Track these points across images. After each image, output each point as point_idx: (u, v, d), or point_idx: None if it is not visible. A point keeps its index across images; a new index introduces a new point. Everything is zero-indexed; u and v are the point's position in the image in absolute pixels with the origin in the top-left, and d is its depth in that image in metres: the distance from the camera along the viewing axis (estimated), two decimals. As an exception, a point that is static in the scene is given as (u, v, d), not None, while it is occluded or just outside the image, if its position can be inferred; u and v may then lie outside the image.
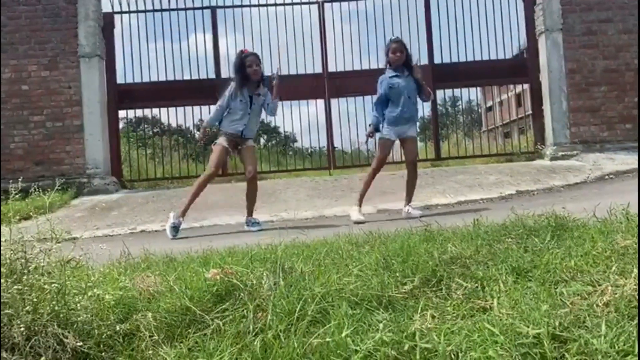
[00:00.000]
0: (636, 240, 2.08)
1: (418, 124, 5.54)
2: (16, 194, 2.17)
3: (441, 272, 2.09)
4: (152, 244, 3.42)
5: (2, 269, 1.83)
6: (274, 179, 8.37)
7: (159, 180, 8.70)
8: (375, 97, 5.18)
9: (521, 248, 2.32)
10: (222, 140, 5.01)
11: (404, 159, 5.33)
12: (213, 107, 5.22)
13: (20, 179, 2.36)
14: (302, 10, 8.62)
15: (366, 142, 5.65)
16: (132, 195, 7.44)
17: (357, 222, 4.72)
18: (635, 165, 6.29)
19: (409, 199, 5.08)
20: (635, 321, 1.50)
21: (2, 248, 1.89)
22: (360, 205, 5.05)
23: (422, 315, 1.73)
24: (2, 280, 1.78)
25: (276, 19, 8.63)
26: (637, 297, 1.62)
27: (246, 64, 4.94)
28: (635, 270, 1.81)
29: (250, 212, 5.04)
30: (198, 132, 5.02)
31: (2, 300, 1.73)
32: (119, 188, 7.94)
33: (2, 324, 1.70)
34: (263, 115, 5.38)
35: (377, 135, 5.08)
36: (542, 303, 1.66)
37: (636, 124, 7.60)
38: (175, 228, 4.79)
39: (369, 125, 5.14)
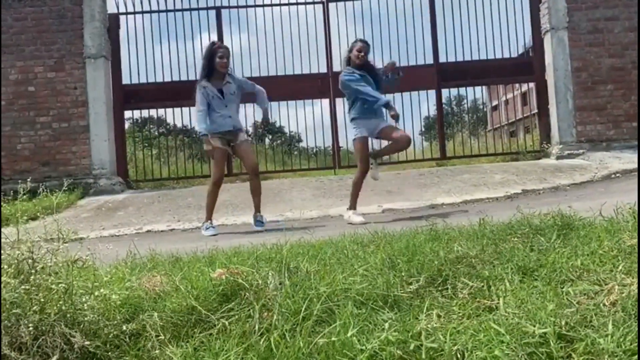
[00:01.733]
0: (643, 239, 2.07)
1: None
2: (24, 194, 2.19)
3: (447, 271, 2.09)
4: (158, 244, 3.44)
5: (10, 269, 1.84)
6: (279, 178, 8.38)
7: (165, 180, 8.73)
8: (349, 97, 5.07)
9: (527, 247, 2.32)
10: (215, 142, 4.88)
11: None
12: (195, 116, 4.99)
13: (28, 180, 2.38)
14: (307, 9, 8.62)
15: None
16: (138, 195, 7.47)
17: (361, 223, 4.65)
18: (642, 164, 6.26)
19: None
20: (642, 320, 1.49)
21: (10, 248, 1.91)
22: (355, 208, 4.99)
23: (428, 315, 1.73)
24: (10, 280, 1.79)
25: (281, 18, 8.65)
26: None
27: (217, 54, 4.86)
28: (642, 270, 1.80)
29: (257, 208, 5.01)
30: (205, 145, 4.89)
31: (10, 300, 1.75)
32: (125, 188, 7.97)
33: (10, 324, 1.71)
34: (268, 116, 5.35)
35: (352, 137, 5.03)
36: (548, 302, 1.65)
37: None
38: (211, 229, 4.89)
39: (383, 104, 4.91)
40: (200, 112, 4.87)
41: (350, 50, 5.06)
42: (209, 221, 4.97)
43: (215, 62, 4.86)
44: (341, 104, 8.59)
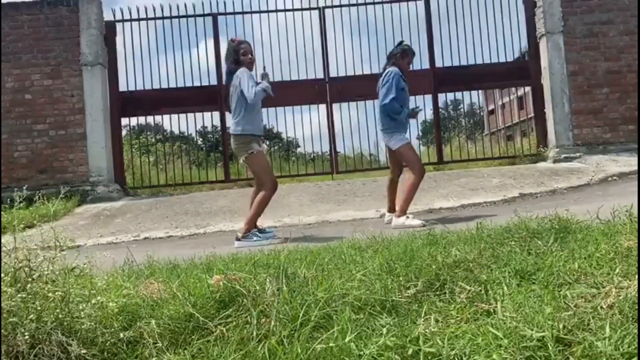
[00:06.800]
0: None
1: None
2: (21, 202, 2.19)
3: (444, 275, 2.09)
4: (155, 251, 3.43)
5: (6, 277, 1.84)
6: (277, 184, 8.37)
7: (162, 187, 8.71)
8: (386, 96, 4.79)
9: (525, 251, 2.32)
10: (256, 147, 4.46)
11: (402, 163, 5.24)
12: (252, 91, 4.30)
13: (25, 187, 2.37)
14: (303, 16, 8.64)
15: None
16: (135, 202, 7.45)
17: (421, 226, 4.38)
18: (639, 167, 6.27)
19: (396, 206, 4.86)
20: (640, 323, 1.49)
21: (7, 257, 1.90)
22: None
23: (426, 320, 1.73)
24: (7, 289, 1.78)
25: (277, 25, 8.68)
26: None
27: (240, 51, 4.50)
28: None
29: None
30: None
31: (7, 309, 1.74)
32: (123, 195, 7.95)
33: (6, 333, 1.70)
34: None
35: (398, 143, 4.85)
36: (546, 306, 1.65)
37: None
38: (257, 234, 4.50)
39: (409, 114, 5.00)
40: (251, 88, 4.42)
41: (402, 57, 4.99)
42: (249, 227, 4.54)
43: (241, 59, 4.50)
44: (338, 109, 8.62)
